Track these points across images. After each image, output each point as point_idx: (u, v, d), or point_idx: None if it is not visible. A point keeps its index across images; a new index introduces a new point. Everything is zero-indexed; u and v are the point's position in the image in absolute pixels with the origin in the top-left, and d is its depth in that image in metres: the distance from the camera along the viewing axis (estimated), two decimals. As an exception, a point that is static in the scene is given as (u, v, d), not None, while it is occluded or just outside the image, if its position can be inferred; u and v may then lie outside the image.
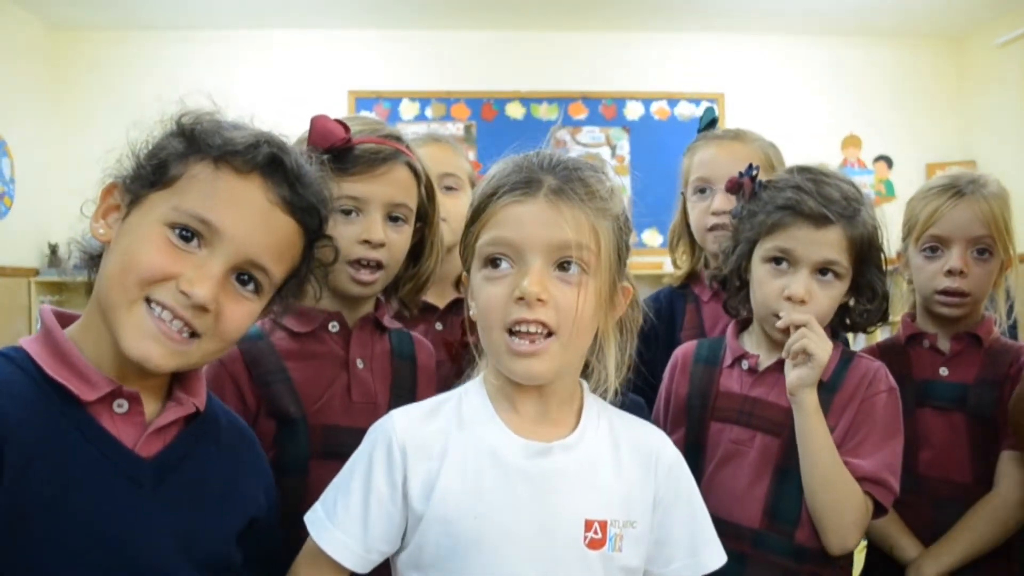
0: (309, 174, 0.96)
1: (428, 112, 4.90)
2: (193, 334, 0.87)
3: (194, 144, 0.89)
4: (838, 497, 1.18)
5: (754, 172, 1.34)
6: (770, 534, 1.23)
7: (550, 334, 0.91)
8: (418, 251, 1.32)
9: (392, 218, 1.23)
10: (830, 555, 1.21)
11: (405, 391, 1.27)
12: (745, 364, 1.31)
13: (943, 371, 1.46)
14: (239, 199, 0.89)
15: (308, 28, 4.78)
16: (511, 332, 0.91)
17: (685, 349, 1.40)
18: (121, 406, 0.87)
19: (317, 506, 0.99)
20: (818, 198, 1.22)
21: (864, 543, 1.49)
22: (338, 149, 1.18)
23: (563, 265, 0.92)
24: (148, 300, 0.85)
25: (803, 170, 1.29)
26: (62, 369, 0.85)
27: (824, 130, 4.85)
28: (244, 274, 0.90)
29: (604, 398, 1.01)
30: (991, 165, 4.54)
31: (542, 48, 4.91)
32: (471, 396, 1.00)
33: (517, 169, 0.95)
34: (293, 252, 0.95)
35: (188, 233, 0.87)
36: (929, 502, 1.41)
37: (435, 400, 1.02)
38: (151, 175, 0.89)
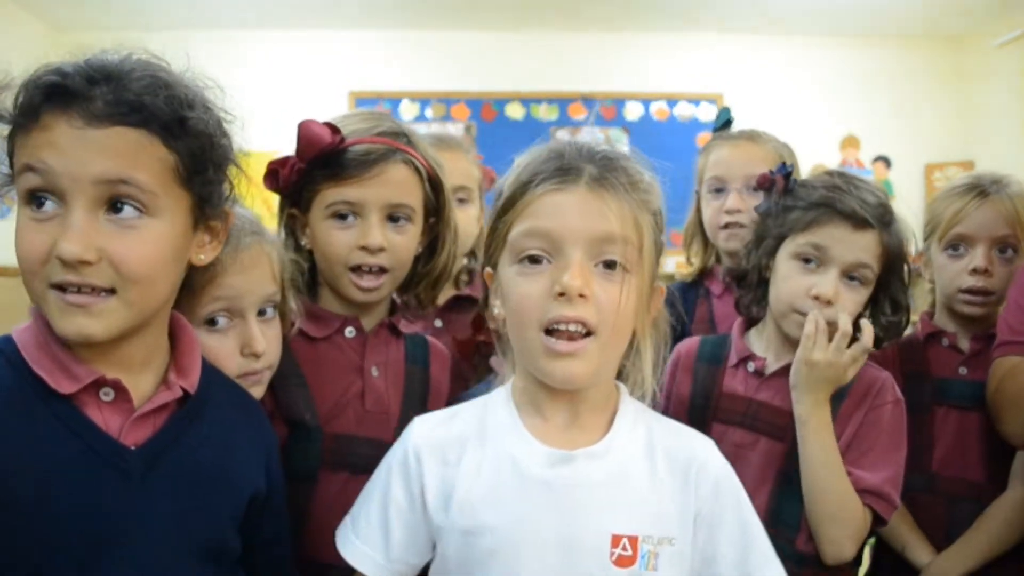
0: (130, 69, 0.83)
1: (428, 112, 4.90)
2: (108, 290, 0.81)
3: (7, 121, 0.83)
4: (836, 507, 1.17)
5: (788, 169, 1.32)
6: (771, 540, 1.22)
7: (588, 333, 0.85)
8: (432, 247, 1.28)
9: (393, 219, 1.19)
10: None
11: (416, 399, 1.24)
12: (751, 366, 1.30)
13: (962, 370, 1.46)
14: (47, 139, 0.79)
15: (308, 29, 4.77)
16: (547, 332, 0.85)
17: (687, 346, 1.37)
18: (108, 394, 0.86)
19: (346, 518, 0.97)
20: (858, 200, 1.21)
21: (871, 541, 1.49)
22: (328, 154, 1.15)
23: (605, 261, 0.86)
24: (53, 286, 0.80)
25: (840, 174, 1.28)
26: (44, 361, 0.84)
27: (823, 130, 4.84)
28: (116, 201, 0.81)
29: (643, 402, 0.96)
30: (990, 165, 4.53)
31: (542, 48, 4.90)
32: (496, 403, 0.96)
33: (553, 156, 0.90)
34: (153, 155, 0.83)
35: (41, 200, 0.80)
36: (943, 500, 1.42)
37: (458, 407, 0.98)
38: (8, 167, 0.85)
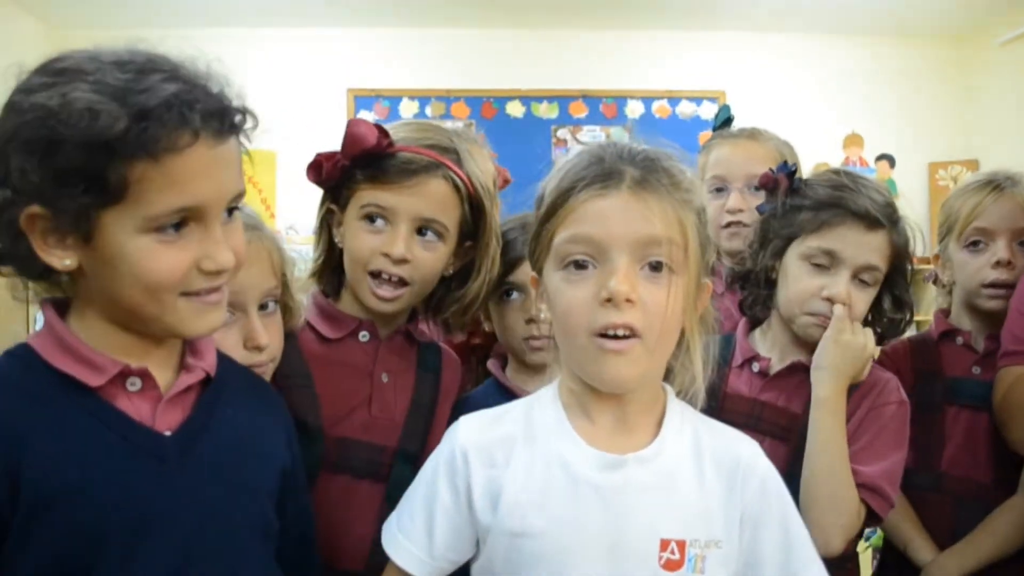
0: (213, 85, 0.85)
1: (428, 111, 4.88)
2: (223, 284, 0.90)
3: (103, 147, 0.75)
4: (836, 493, 1.16)
5: (792, 168, 1.31)
6: None
7: (635, 337, 0.86)
8: (467, 272, 1.24)
9: (422, 232, 1.16)
10: (830, 560, 1.19)
11: (424, 407, 1.23)
12: (756, 367, 1.29)
13: (976, 370, 1.46)
14: (195, 169, 0.80)
15: (307, 27, 4.76)
16: (597, 337, 0.86)
17: None
18: (134, 384, 0.87)
19: (391, 516, 0.98)
20: (867, 200, 1.21)
21: (879, 541, 1.48)
22: (372, 155, 1.14)
23: (651, 263, 0.86)
24: (185, 293, 0.85)
25: (844, 172, 1.27)
26: (67, 359, 0.85)
27: (826, 129, 4.81)
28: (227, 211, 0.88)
29: (693, 404, 0.96)
30: (993, 164, 4.49)
31: (542, 46, 4.88)
32: (543, 402, 0.95)
33: (594, 160, 0.90)
34: (240, 155, 0.90)
35: (173, 225, 0.82)
36: (950, 500, 1.42)
37: (504, 407, 0.98)
38: (84, 195, 0.77)
